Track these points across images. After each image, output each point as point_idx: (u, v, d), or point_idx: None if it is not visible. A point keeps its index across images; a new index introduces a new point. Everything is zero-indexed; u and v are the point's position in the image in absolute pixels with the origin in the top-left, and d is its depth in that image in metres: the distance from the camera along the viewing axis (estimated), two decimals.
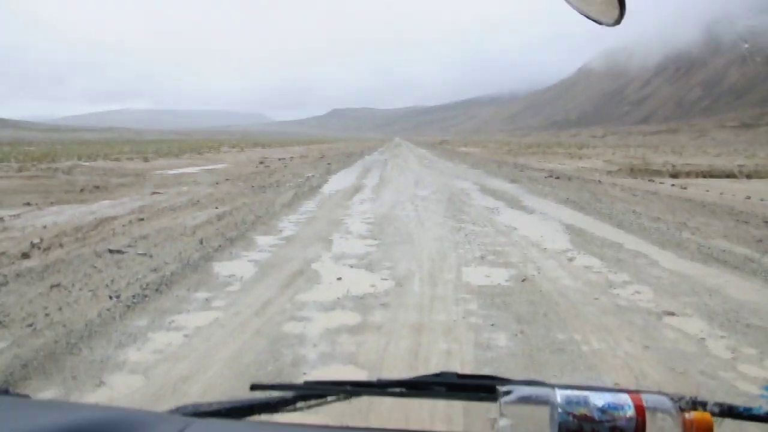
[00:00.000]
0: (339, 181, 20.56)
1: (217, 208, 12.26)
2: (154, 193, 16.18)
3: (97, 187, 17.48)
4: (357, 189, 17.38)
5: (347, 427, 0.95)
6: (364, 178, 22.10)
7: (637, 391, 0.90)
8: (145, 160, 33.14)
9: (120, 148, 54.76)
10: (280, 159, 37.70)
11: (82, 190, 16.50)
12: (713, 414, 0.88)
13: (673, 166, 27.86)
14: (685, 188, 17.52)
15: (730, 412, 0.91)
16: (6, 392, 0.98)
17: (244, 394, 1.09)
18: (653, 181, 20.70)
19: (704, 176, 22.98)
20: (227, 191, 16.74)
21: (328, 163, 32.84)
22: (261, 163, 32.84)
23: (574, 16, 1.22)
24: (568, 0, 1.13)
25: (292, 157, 40.48)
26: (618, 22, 1.11)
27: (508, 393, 0.90)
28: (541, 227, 10.12)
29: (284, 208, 12.67)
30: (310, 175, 23.47)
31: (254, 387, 1.06)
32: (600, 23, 1.16)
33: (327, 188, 17.87)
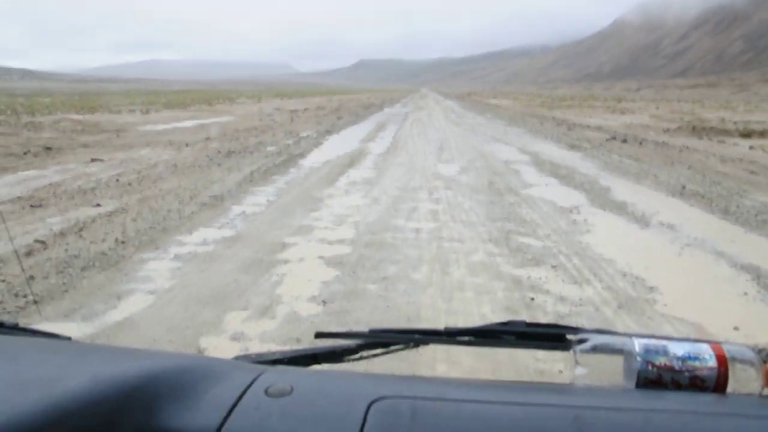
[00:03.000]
0: (337, 145, 15.23)
1: (121, 197, 7.23)
2: (94, 160, 11.61)
3: (49, 149, 13.66)
4: (354, 160, 12.04)
5: (413, 376, 0.89)
6: (373, 139, 16.69)
7: (718, 342, 0.84)
8: (145, 112, 29.79)
9: (133, 99, 51.15)
10: (291, 111, 33.94)
11: (26, 153, 12.84)
12: None
13: (735, 123, 24.29)
14: None
15: None
16: (30, 331, 0.96)
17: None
18: (724, 142, 16.65)
19: None
20: (186, 159, 12.07)
21: (339, 117, 27.59)
22: (269, 115, 29.41)
23: None
24: None
25: (306, 108, 36.71)
26: None
27: (582, 341, 0.85)
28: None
29: (206, 207, 7.42)
30: (306, 134, 18.20)
31: (318, 335, 1.02)
32: None
33: (314, 157, 12.55)
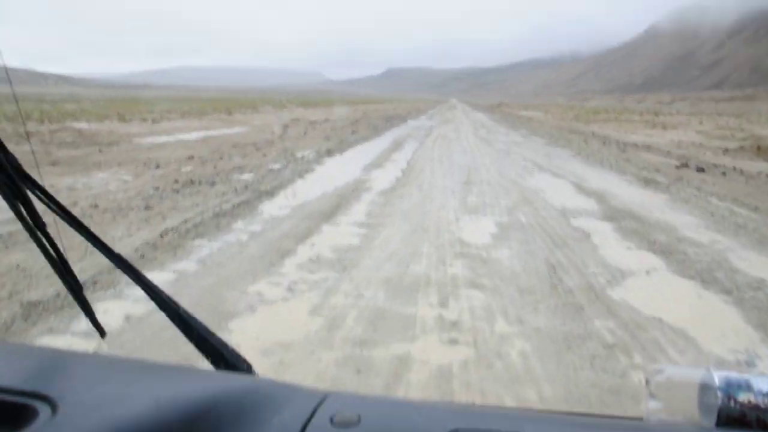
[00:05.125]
0: (331, 173, 11.53)
1: None
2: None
3: None
4: (341, 203, 8.26)
5: (488, 406, 0.92)
6: (381, 165, 12.90)
7: None
8: (157, 122, 28.12)
9: (154, 107, 48.86)
10: (310, 122, 31.33)
11: None
12: None
13: None
14: None
15: None
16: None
17: None
18: None
19: None
20: (130, 191, 9.12)
21: (353, 131, 23.91)
22: (285, 126, 27.01)
23: None
24: None
25: (327, 119, 34.15)
26: None
27: (658, 372, 0.77)
28: None
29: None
30: (303, 154, 14.65)
31: None
32: None
33: (286, 196, 8.86)
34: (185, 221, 6.84)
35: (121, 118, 29.63)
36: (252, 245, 5.91)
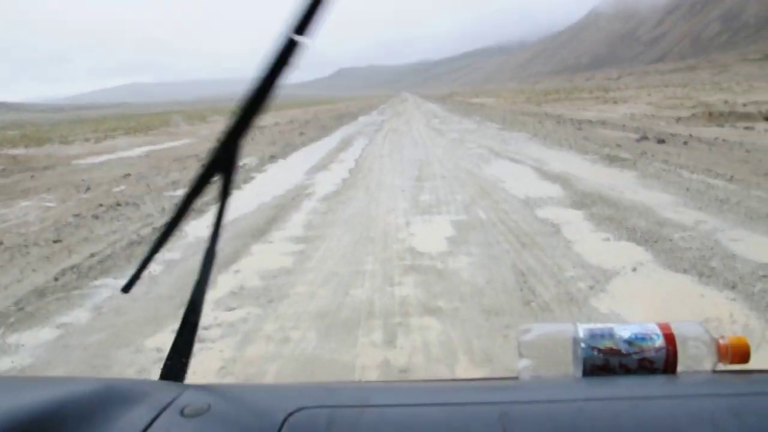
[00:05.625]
0: (273, 181, 10.54)
1: None
2: None
3: None
4: (278, 214, 7.26)
5: (336, 382, 0.89)
6: (326, 167, 11.88)
7: (666, 322, 0.80)
8: (100, 141, 26.89)
9: (98, 126, 47.55)
10: (259, 127, 29.73)
11: None
12: None
13: (744, 105, 21.35)
14: None
15: None
16: None
17: None
18: (753, 129, 13.85)
19: None
20: (47, 222, 7.95)
21: (301, 133, 22.94)
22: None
23: None
24: None
25: (276, 123, 32.31)
26: None
27: (526, 332, 0.80)
28: None
29: None
30: (244, 162, 13.52)
31: None
32: None
33: (211, 220, 7.83)
34: (92, 255, 5.78)
35: (63, 141, 28.45)
36: (164, 280, 4.87)
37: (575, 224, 5.68)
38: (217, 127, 33.12)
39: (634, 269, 4.25)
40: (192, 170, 12.97)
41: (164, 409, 0.66)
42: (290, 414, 0.64)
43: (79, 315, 4.22)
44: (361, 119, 31.66)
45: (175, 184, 10.80)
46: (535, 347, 0.78)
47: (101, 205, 9.00)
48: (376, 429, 0.62)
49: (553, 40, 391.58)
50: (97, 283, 4.95)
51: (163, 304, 4.25)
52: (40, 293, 4.71)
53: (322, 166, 12.03)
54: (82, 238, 6.68)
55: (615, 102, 32.11)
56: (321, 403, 0.67)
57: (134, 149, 20.70)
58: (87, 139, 28.00)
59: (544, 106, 33.18)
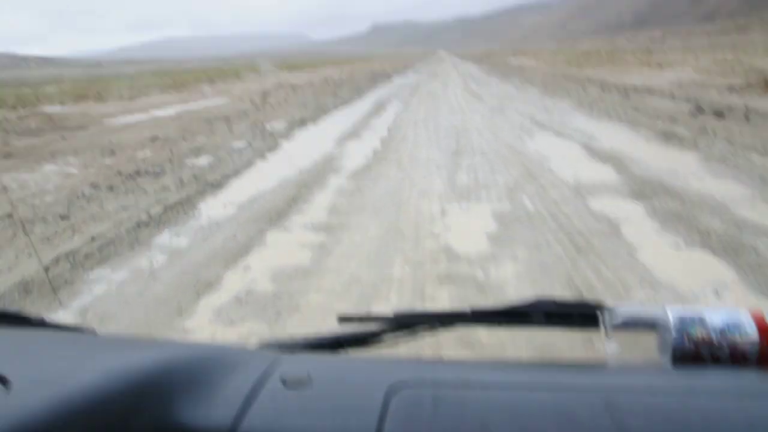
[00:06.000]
0: (300, 149, 9.93)
1: None
2: None
3: None
4: (300, 192, 6.57)
5: (436, 359, 0.89)
6: (358, 135, 11.17)
7: (758, 310, 0.78)
8: (133, 98, 26.50)
9: (135, 83, 47.10)
10: (293, 86, 29.05)
11: None
12: None
13: None
14: None
15: None
16: (49, 325, 0.94)
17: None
18: None
19: None
20: (63, 188, 7.21)
21: (334, 93, 22.16)
22: (266, 93, 24.90)
23: None
24: None
25: (310, 82, 31.76)
26: None
27: (613, 314, 0.78)
28: None
29: None
30: (273, 126, 12.99)
31: (342, 319, 0.95)
32: None
33: (240, 186, 7.26)
34: (94, 238, 5.22)
35: (99, 98, 27.98)
36: (164, 276, 4.28)
37: (636, 222, 4.90)
38: (251, 86, 32.46)
39: (717, 293, 3.50)
40: (217, 135, 12.41)
41: (266, 378, 0.67)
42: (393, 389, 0.63)
43: (61, 318, 3.66)
44: (396, 80, 30.65)
45: (198, 151, 10.26)
46: (622, 330, 0.76)
47: (120, 173, 8.52)
48: (480, 409, 0.61)
49: None
50: (91, 276, 4.40)
51: (156, 311, 3.66)
52: (25, 289, 4.17)
53: (353, 133, 11.31)
54: (90, 216, 6.16)
55: (660, 66, 30.09)
56: (422, 378, 0.67)
57: (167, 108, 20.32)
58: (122, 97, 27.83)
59: (586, 69, 31.60)
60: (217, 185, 7.32)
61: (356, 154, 8.91)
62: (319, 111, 15.85)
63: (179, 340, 0.84)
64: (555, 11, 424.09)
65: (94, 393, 0.61)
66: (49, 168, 9.52)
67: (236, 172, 8.10)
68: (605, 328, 0.77)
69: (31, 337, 0.85)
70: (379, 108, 16.07)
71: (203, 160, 9.29)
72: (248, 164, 8.71)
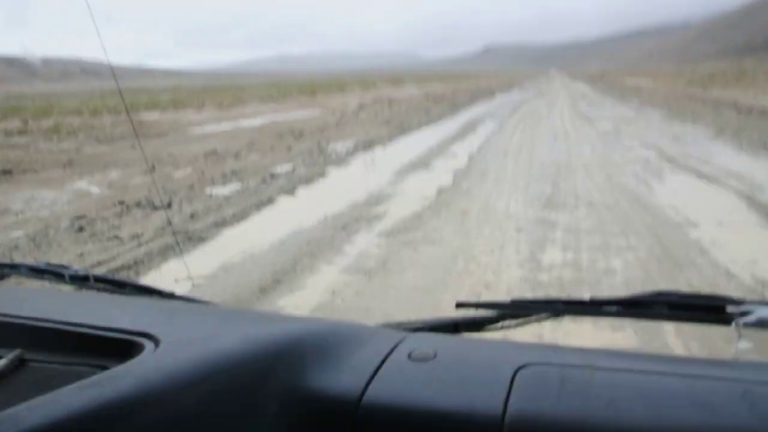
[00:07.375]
0: (343, 185, 7.61)
1: None
2: None
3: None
4: (314, 259, 4.20)
5: (559, 345, 0.84)
6: (426, 165, 8.65)
7: None
8: (227, 108, 27.09)
9: (241, 93, 48.07)
10: (390, 101, 27.85)
11: None
12: None
13: None
14: None
15: None
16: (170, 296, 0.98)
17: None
18: None
19: None
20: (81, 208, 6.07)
21: (426, 109, 19.93)
22: (361, 106, 24.32)
23: None
24: None
25: (410, 97, 31.14)
26: None
27: (745, 314, 0.74)
28: None
29: None
30: (336, 148, 10.98)
31: (459, 305, 0.95)
32: None
33: (257, 229, 4.95)
34: None
35: (199, 106, 28.50)
36: None
37: None
38: (350, 99, 31.07)
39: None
40: (271, 154, 10.41)
41: (393, 352, 0.69)
42: (519, 368, 0.63)
43: None
44: (499, 98, 27.82)
45: (231, 176, 8.27)
46: (756, 330, 0.74)
47: (120, 202, 6.72)
48: (611, 390, 0.59)
49: (721, 21, 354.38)
50: None
51: None
52: None
53: (423, 162, 8.80)
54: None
55: None
56: (548, 361, 0.66)
57: (255, 118, 19.89)
58: (221, 106, 27.97)
59: (711, 90, 27.41)
60: (198, 239, 5.05)
61: (409, 198, 6.37)
62: (397, 131, 13.47)
63: (306, 317, 0.85)
64: (675, 35, 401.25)
65: (233, 355, 0.63)
66: (80, 184, 8.50)
67: (243, 216, 5.88)
68: (737, 325, 0.73)
69: (176, 305, 0.91)
70: (467, 129, 13.47)
71: (224, 190, 7.28)
72: (267, 202, 6.47)
